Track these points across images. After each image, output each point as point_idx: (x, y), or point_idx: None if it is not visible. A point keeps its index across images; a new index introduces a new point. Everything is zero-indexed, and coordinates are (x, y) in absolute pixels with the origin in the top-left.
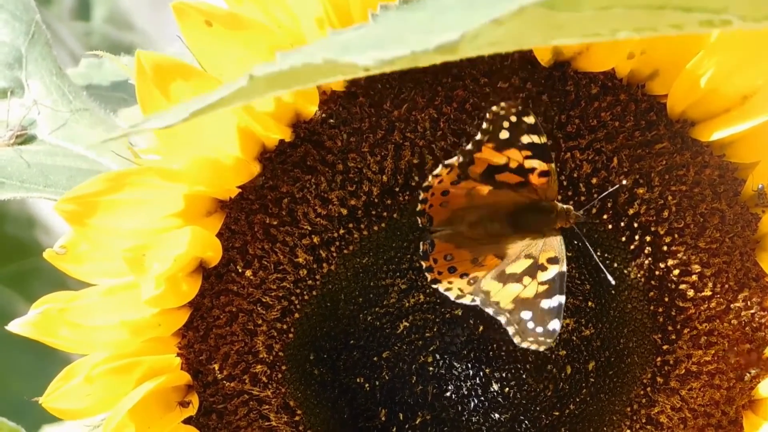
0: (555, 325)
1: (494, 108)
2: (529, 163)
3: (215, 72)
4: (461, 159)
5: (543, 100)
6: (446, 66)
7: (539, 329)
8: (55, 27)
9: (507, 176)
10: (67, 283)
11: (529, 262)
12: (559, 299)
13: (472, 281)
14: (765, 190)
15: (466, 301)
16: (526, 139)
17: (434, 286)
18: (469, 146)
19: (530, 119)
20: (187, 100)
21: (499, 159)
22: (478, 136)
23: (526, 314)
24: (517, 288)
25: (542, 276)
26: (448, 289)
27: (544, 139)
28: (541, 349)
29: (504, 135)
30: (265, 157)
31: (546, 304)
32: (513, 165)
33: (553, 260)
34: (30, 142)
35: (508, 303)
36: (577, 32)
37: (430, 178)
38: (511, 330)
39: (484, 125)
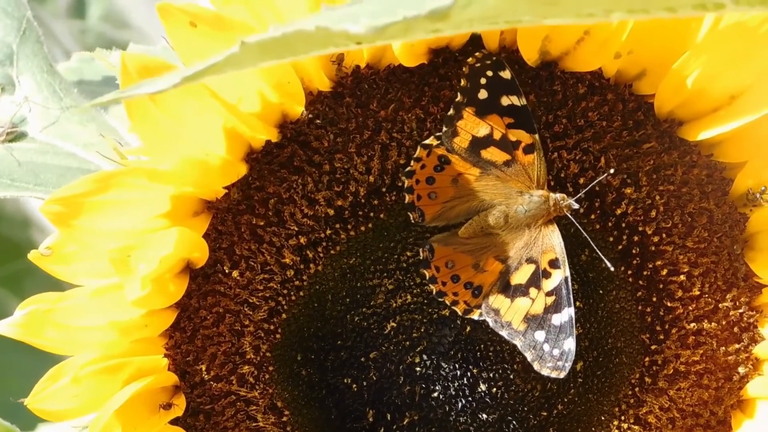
0: (569, 344)
1: (470, 60)
2: (513, 134)
3: None
4: (445, 128)
5: (530, 100)
6: (433, 66)
7: (556, 351)
8: (51, 25)
9: (492, 152)
10: (61, 284)
11: (532, 268)
12: (569, 312)
13: (476, 292)
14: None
15: (474, 316)
16: (505, 100)
17: (440, 299)
18: (451, 111)
19: (506, 74)
20: (175, 102)
21: (481, 128)
22: (458, 98)
23: (539, 335)
24: (526, 303)
25: (547, 285)
26: (454, 303)
27: (523, 101)
28: (561, 375)
29: (483, 95)
30: (251, 158)
31: (557, 319)
32: (497, 136)
33: (554, 263)
34: (21, 139)
35: (519, 322)
36: (572, 11)
37: (412, 162)
38: (529, 356)
39: (462, 82)
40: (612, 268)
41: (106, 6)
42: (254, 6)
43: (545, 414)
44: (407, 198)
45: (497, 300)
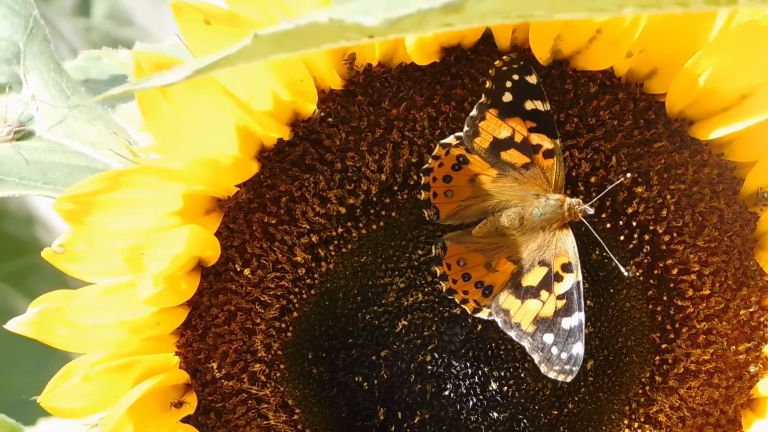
0: (578, 349)
1: (497, 62)
2: (534, 138)
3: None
4: (466, 128)
5: None
6: (445, 65)
7: (564, 355)
8: (56, 22)
9: (512, 154)
10: (66, 281)
11: (544, 270)
12: (579, 317)
13: (487, 291)
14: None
15: (483, 315)
16: (529, 105)
17: (450, 297)
18: (474, 111)
19: (532, 79)
20: (188, 99)
21: (503, 130)
22: (482, 99)
23: (548, 337)
24: (536, 305)
25: (559, 288)
26: (464, 301)
27: (547, 106)
28: (568, 380)
29: (507, 98)
30: (263, 156)
31: (567, 323)
32: (518, 138)
33: (567, 267)
34: (28, 138)
35: (529, 324)
36: (584, 5)
37: (430, 160)
38: (536, 357)
39: (488, 84)
40: (626, 273)
41: (111, 4)
42: (266, 4)
43: (556, 413)
44: (423, 195)
45: (507, 300)
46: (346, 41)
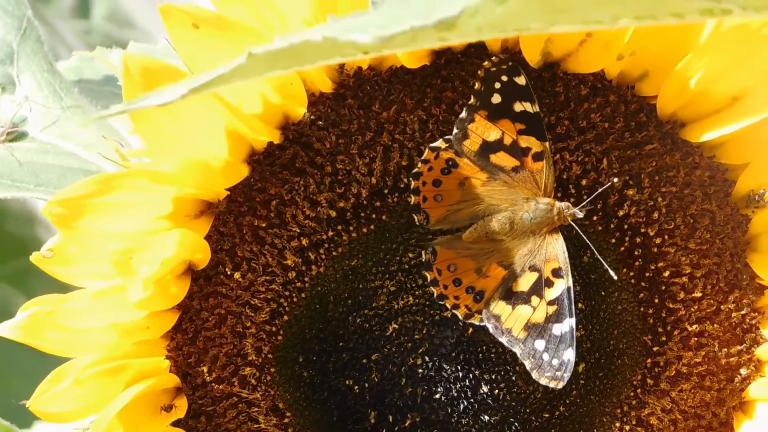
0: (569, 355)
1: (485, 63)
2: (524, 141)
3: None
4: (456, 131)
5: None
6: (435, 68)
7: (555, 361)
8: (55, 24)
9: (502, 157)
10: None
11: (535, 276)
12: (570, 323)
13: (478, 297)
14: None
15: (475, 321)
16: (518, 106)
17: (441, 302)
18: (463, 114)
19: (521, 80)
20: (178, 103)
21: (492, 132)
22: (471, 100)
23: (539, 344)
24: (527, 311)
25: (549, 294)
26: (455, 306)
27: (536, 108)
28: (559, 386)
29: (496, 99)
30: (253, 159)
31: (558, 329)
32: (507, 141)
33: (557, 272)
34: (21, 139)
35: (520, 330)
36: (579, 18)
37: (419, 164)
38: (528, 364)
39: (476, 85)
40: (615, 277)
41: (111, 6)
42: (255, 7)
43: (547, 416)
44: (413, 199)
45: (498, 306)
46: (341, 57)
